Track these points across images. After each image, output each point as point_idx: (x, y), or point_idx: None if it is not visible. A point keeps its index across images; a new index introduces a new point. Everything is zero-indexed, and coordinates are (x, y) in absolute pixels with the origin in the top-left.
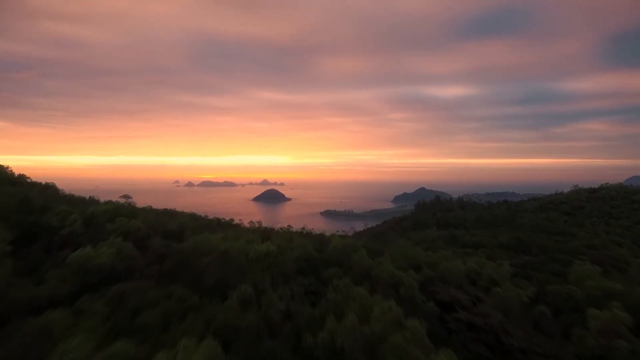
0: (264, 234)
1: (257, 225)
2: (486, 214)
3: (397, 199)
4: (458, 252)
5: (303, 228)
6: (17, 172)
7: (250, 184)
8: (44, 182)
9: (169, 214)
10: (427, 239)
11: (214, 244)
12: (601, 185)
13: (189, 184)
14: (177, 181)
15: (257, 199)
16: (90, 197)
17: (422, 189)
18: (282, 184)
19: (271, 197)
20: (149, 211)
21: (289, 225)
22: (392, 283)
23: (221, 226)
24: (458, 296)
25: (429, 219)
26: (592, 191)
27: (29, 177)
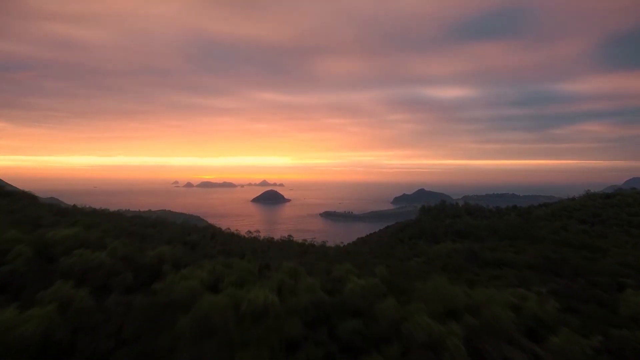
0: (263, 259)
1: (254, 234)
2: (497, 222)
3: (396, 200)
4: (483, 275)
5: (304, 241)
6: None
7: (250, 184)
8: (21, 189)
9: (160, 224)
10: (441, 254)
11: (195, 288)
12: (615, 190)
13: (188, 185)
14: (176, 182)
15: (257, 199)
16: (74, 205)
17: (422, 191)
18: (281, 185)
19: (270, 198)
20: (135, 223)
21: (290, 236)
22: (430, 344)
23: (214, 241)
24: (513, 357)
25: (437, 227)
26: (606, 197)
27: (5, 183)
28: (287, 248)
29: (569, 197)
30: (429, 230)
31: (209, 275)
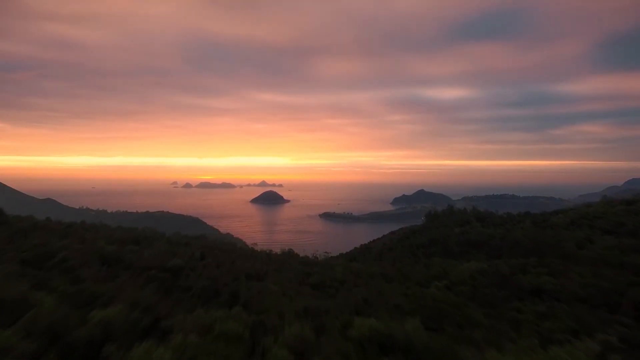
0: (256, 304)
1: (252, 245)
2: (513, 231)
3: (396, 200)
4: (527, 312)
5: (306, 256)
6: None
7: (249, 185)
8: None
9: (145, 239)
10: (465, 277)
11: None
12: (634, 196)
13: (187, 185)
14: (175, 182)
15: (256, 200)
16: (48, 218)
17: (422, 191)
18: (280, 185)
19: (270, 198)
20: (114, 239)
21: (290, 249)
22: None
23: (203, 263)
24: None
25: (447, 236)
26: (627, 203)
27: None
28: (288, 268)
29: (586, 203)
30: (439, 239)
31: (174, 358)
